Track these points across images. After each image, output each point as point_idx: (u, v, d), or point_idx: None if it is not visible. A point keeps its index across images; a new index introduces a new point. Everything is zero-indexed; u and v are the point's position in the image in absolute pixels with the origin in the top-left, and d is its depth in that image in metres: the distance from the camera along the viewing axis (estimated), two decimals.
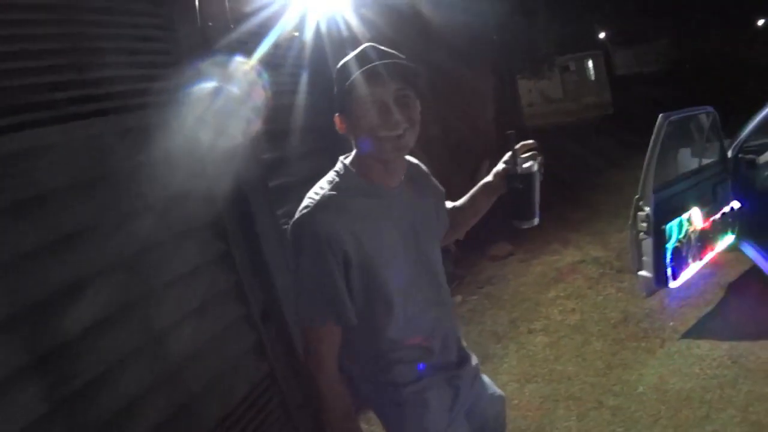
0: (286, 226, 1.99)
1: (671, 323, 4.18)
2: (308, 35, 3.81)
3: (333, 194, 1.77)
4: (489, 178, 2.09)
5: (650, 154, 3.80)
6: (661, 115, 3.83)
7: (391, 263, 1.82)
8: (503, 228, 6.72)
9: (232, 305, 3.12)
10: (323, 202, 1.75)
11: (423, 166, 2.11)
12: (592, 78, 24.68)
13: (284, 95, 3.66)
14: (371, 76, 1.68)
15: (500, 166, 2.02)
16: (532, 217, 1.98)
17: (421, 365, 1.96)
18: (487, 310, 5.36)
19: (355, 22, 4.17)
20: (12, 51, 2.09)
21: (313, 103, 3.77)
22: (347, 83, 1.68)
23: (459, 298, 5.72)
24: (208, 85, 2.86)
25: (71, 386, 2.18)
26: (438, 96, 6.70)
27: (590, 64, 24.63)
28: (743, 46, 18.07)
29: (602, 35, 21.38)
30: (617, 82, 18.45)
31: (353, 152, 1.86)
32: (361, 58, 1.71)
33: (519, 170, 1.92)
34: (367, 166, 1.82)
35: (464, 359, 2.12)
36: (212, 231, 2.99)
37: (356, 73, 1.67)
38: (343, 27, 4.11)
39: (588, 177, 7.44)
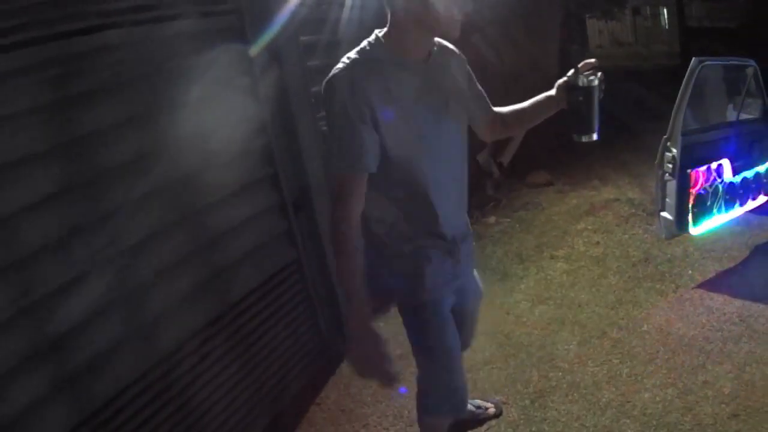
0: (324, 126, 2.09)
1: (690, 272, 4.17)
2: None
3: (365, 58, 1.86)
4: (552, 91, 2.13)
5: (681, 95, 3.71)
6: (695, 58, 3.73)
7: (418, 129, 1.91)
8: (545, 157, 6.77)
9: (268, 193, 3.26)
10: (354, 64, 1.84)
11: (458, 51, 2.15)
12: (666, 26, 23.58)
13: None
14: None
15: (563, 79, 2.05)
16: (591, 131, 2.02)
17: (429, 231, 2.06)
18: (516, 234, 5.41)
19: None
20: None
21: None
22: None
23: (493, 219, 5.77)
24: None
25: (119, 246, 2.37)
26: (497, 23, 6.56)
27: (665, 11, 23.48)
28: None
29: None
30: (688, 34, 17.54)
31: (386, 28, 1.91)
32: None
33: (580, 83, 1.96)
34: (402, 40, 1.89)
35: (467, 236, 2.24)
36: (255, 126, 3.11)
37: None
38: None
39: (643, 122, 7.25)
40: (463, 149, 2.11)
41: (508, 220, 5.75)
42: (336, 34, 3.75)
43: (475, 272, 2.46)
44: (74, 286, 2.19)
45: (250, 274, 3.12)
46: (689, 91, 3.71)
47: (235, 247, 3.03)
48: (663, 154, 3.81)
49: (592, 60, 2.00)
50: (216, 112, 2.80)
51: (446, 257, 2.10)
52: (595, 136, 2.02)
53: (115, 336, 2.35)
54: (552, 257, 4.79)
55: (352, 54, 1.88)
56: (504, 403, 3.16)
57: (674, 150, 3.73)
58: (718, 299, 3.78)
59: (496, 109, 2.28)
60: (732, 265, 4.24)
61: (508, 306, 4.14)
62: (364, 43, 1.92)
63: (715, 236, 4.26)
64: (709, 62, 3.82)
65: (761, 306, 3.61)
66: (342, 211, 1.84)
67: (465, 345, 2.51)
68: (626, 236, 4.92)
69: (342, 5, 3.79)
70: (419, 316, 2.17)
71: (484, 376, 3.41)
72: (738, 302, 3.71)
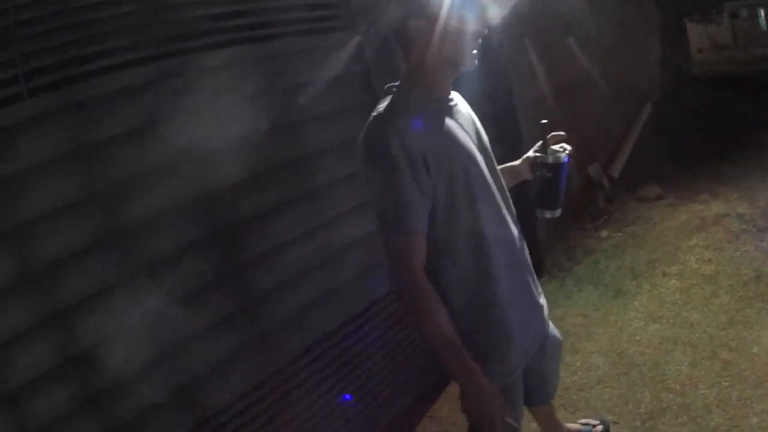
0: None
1: None
2: None
3: (399, 106, 1.77)
4: (516, 162, 2.08)
5: None
6: None
7: (468, 157, 1.81)
8: (654, 171, 6.76)
9: None
10: (394, 116, 1.73)
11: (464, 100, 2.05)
12: (764, 28, 22.28)
13: None
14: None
15: (530, 153, 2.00)
16: (555, 207, 1.98)
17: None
18: (629, 248, 5.49)
19: None
20: None
21: None
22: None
23: (605, 233, 5.88)
24: None
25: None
26: (599, 32, 6.60)
27: (762, 12, 22.16)
28: None
29: None
30: None
31: (403, 75, 1.87)
32: None
33: (549, 159, 1.91)
34: (424, 80, 1.82)
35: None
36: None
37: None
38: None
39: (749, 133, 7.11)
40: (507, 193, 2.01)
41: (620, 234, 5.83)
42: None
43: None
44: None
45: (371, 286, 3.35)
46: None
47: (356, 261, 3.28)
48: None
49: (562, 132, 1.97)
50: None
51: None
52: (558, 213, 1.98)
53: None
54: (665, 274, 4.87)
55: (381, 108, 1.79)
56: (615, 423, 3.32)
57: None
58: None
59: None
60: None
61: (621, 323, 4.28)
62: (387, 99, 1.83)
63: None
64: None
65: None
66: (408, 276, 1.71)
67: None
68: (737, 253, 4.93)
69: None
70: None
71: (596, 395, 3.57)
72: None
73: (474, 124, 1.97)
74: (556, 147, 1.97)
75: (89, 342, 2.24)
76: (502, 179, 1.98)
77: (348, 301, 3.28)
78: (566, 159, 1.93)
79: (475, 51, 1.81)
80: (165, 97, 2.48)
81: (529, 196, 2.08)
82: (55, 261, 2.17)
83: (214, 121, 2.64)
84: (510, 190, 2.04)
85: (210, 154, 2.60)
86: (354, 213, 3.24)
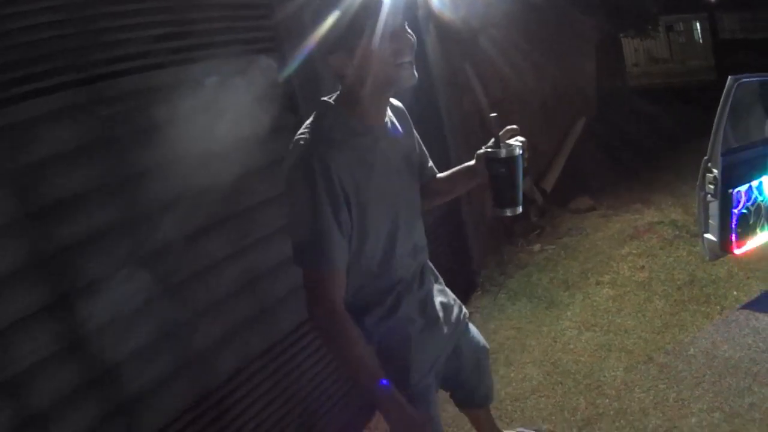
0: None
1: (735, 292, 4.07)
2: None
3: (327, 133, 1.67)
4: (472, 162, 1.93)
5: (719, 115, 3.59)
6: (730, 76, 3.60)
7: (381, 200, 1.75)
8: (587, 183, 6.72)
9: None
10: (316, 144, 1.64)
11: (401, 106, 1.99)
12: (699, 40, 23.13)
13: None
14: (381, 6, 1.60)
15: (482, 150, 1.84)
16: (515, 204, 1.81)
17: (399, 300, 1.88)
18: (561, 260, 5.35)
19: None
20: None
21: None
22: (354, 17, 1.59)
23: (537, 246, 5.73)
24: None
25: None
26: (535, 48, 6.58)
27: (697, 25, 23.03)
28: None
29: None
30: (721, 47, 17.09)
31: (337, 93, 1.76)
32: None
33: (503, 153, 1.76)
34: (357, 105, 1.72)
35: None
36: None
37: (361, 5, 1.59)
38: None
39: (682, 141, 7.16)
40: (420, 212, 1.98)
41: (553, 246, 5.69)
42: None
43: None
44: None
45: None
46: (726, 110, 3.60)
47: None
48: (704, 175, 3.72)
49: (514, 126, 1.83)
50: None
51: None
52: (519, 209, 1.82)
53: None
54: (597, 283, 4.72)
55: (307, 131, 1.69)
56: (551, 431, 3.12)
57: (715, 170, 3.64)
58: (763, 319, 3.68)
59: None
60: None
61: (554, 333, 4.10)
62: (319, 114, 1.74)
63: (758, 255, 4.14)
64: (744, 80, 3.70)
65: None
66: (324, 310, 1.67)
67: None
68: (671, 259, 4.84)
69: None
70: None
71: (531, 405, 3.37)
72: None
73: (400, 141, 1.90)
74: (510, 141, 1.80)
75: None
76: (415, 191, 1.95)
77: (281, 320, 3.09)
78: (520, 152, 1.76)
79: (409, 64, 1.68)
80: (98, 119, 2.28)
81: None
82: None
83: (148, 142, 2.44)
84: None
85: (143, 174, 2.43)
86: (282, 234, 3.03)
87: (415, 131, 2.03)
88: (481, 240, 5.33)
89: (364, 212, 1.69)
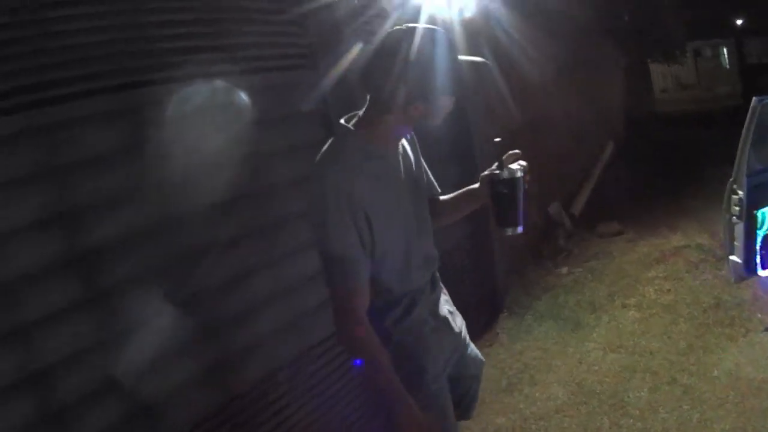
0: None
1: (759, 315, 4.09)
2: None
3: (349, 157, 1.76)
4: (475, 185, 2.05)
5: (744, 137, 3.62)
6: (755, 97, 3.63)
7: (397, 218, 1.84)
8: (614, 208, 6.76)
9: None
10: (341, 165, 1.74)
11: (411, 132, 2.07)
12: (727, 66, 22.91)
13: None
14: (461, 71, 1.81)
15: (486, 172, 1.97)
16: (516, 223, 1.92)
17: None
18: (588, 283, 5.40)
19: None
20: None
21: None
22: (442, 76, 1.72)
23: (565, 269, 5.79)
24: None
25: None
26: (563, 76, 6.67)
27: (725, 50, 22.81)
28: None
29: (738, 22, 19.67)
30: (748, 72, 16.90)
31: (357, 118, 1.85)
32: (448, 50, 1.76)
33: (505, 175, 1.88)
34: (379, 132, 1.81)
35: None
36: None
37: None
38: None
39: (710, 167, 7.17)
40: (430, 223, 2.06)
41: (580, 269, 5.74)
42: None
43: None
44: None
45: None
46: (752, 131, 3.63)
47: None
48: (729, 197, 3.76)
49: (517, 151, 1.94)
50: None
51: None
52: (520, 229, 1.93)
53: None
54: (624, 306, 4.76)
55: (329, 155, 1.80)
56: None
57: (740, 192, 3.68)
58: None
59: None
60: None
61: (580, 354, 4.14)
62: (339, 138, 1.84)
63: None
64: None
65: None
66: (350, 324, 1.75)
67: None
68: (696, 282, 4.86)
69: None
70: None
71: (555, 424, 3.42)
72: None
73: (411, 164, 1.99)
74: (513, 165, 1.92)
75: None
76: (426, 209, 2.03)
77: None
78: (521, 174, 1.89)
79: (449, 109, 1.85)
80: (135, 126, 2.41)
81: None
82: None
83: (182, 148, 2.54)
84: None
85: (178, 179, 2.52)
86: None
87: (417, 147, 2.11)
88: (508, 262, 5.38)
89: (381, 230, 1.77)
